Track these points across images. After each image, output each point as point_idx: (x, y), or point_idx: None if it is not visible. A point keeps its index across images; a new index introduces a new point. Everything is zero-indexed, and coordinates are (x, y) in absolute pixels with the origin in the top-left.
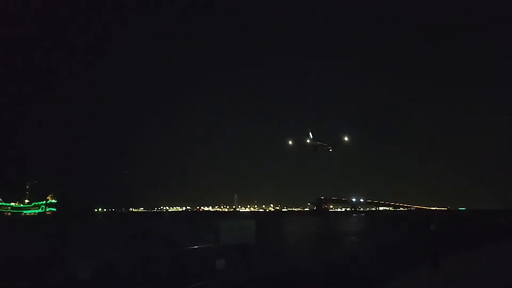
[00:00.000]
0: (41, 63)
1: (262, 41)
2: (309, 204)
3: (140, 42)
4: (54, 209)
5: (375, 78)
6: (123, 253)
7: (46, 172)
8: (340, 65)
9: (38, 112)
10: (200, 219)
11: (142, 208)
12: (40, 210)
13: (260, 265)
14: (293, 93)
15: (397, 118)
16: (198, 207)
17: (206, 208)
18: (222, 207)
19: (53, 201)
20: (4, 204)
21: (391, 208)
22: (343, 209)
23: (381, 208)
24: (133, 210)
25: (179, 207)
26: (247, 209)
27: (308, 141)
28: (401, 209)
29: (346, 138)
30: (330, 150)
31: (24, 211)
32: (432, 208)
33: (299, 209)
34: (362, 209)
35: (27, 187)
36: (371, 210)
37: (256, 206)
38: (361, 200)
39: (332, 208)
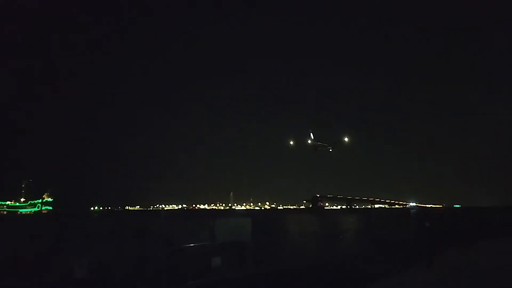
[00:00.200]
0: (40, 62)
1: (262, 41)
2: (304, 202)
3: (140, 42)
4: (50, 208)
5: (375, 78)
6: (119, 252)
7: (42, 170)
8: (340, 65)
9: (34, 110)
10: (196, 217)
11: (138, 207)
12: (36, 209)
13: (256, 263)
14: (292, 93)
15: (394, 117)
16: (194, 205)
17: (202, 206)
18: (218, 205)
19: (49, 199)
20: (0, 203)
21: (386, 206)
22: (339, 207)
23: (376, 206)
24: (129, 208)
25: (175, 205)
26: (243, 207)
27: (309, 141)
28: (397, 206)
29: (346, 139)
30: (330, 150)
31: (20, 210)
32: (427, 206)
33: (294, 206)
34: (357, 206)
35: (23, 185)
36: (367, 207)
37: (251, 204)
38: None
39: (327, 206)
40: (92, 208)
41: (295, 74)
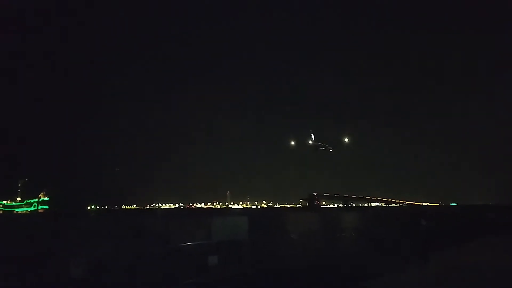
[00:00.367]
0: (39, 61)
1: (262, 41)
2: (301, 200)
3: (139, 41)
4: (47, 207)
5: (374, 78)
6: (116, 250)
7: (38, 169)
8: (340, 65)
9: (29, 109)
10: (193, 216)
11: (135, 205)
12: (32, 208)
13: (253, 262)
14: (291, 93)
15: (391, 116)
16: (190, 204)
17: (198, 205)
18: (214, 203)
19: (45, 198)
20: None
21: (383, 204)
22: (335, 205)
23: (373, 204)
24: (126, 207)
25: (171, 204)
26: (240, 206)
27: (310, 142)
28: (393, 205)
29: (346, 140)
30: (331, 150)
31: (16, 209)
32: (424, 204)
33: (291, 205)
34: (354, 205)
35: (19, 184)
36: (363, 206)
37: (248, 202)
38: None
39: (324, 204)
40: (88, 207)
41: (295, 74)
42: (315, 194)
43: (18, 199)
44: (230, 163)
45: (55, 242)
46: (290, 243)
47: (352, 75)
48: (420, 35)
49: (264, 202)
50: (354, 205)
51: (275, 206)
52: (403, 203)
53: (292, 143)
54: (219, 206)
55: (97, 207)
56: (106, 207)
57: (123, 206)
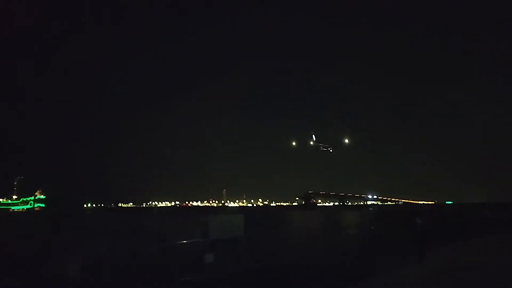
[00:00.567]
0: (34, 58)
1: (262, 41)
2: (297, 198)
3: (139, 40)
4: (43, 205)
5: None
6: (112, 248)
7: (35, 167)
8: (340, 65)
9: (26, 107)
10: (189, 214)
11: (131, 204)
12: (28, 206)
13: (249, 260)
14: (290, 92)
15: (388, 115)
16: (186, 202)
17: (195, 203)
18: (211, 202)
19: (42, 197)
20: None
21: (378, 203)
22: (331, 204)
23: (369, 203)
24: (122, 205)
25: (168, 202)
26: (236, 204)
27: (311, 143)
28: (389, 203)
29: (346, 140)
30: (331, 150)
31: (12, 207)
32: (419, 202)
33: (287, 203)
34: (350, 203)
35: (15, 183)
36: (359, 204)
37: (244, 201)
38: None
39: (320, 203)
40: (85, 205)
41: (295, 74)
42: (311, 192)
43: (14, 197)
44: (227, 161)
45: (51, 241)
46: (286, 241)
47: (351, 75)
48: (420, 35)
49: (260, 200)
50: (349, 203)
51: (271, 205)
52: (398, 201)
53: (293, 143)
54: (215, 205)
55: (94, 205)
56: (102, 205)
57: (120, 205)
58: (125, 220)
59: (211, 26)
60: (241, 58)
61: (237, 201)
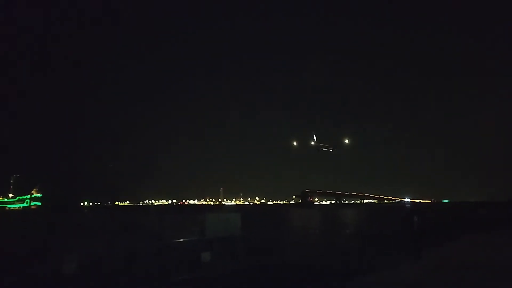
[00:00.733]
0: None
1: (262, 41)
2: (294, 197)
3: (139, 40)
4: (39, 203)
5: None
6: (108, 247)
7: (31, 165)
8: (340, 65)
9: (21, 104)
10: (186, 212)
11: (128, 202)
12: (25, 205)
13: (246, 258)
14: (289, 92)
15: (385, 114)
16: (183, 201)
17: (191, 202)
18: (207, 200)
19: (38, 195)
20: None
21: (375, 201)
22: (328, 202)
23: (365, 201)
24: (119, 203)
25: (164, 201)
26: (233, 202)
27: (312, 143)
28: (386, 201)
29: (346, 141)
30: (331, 151)
31: (9, 206)
32: (416, 201)
33: (284, 202)
34: (346, 201)
35: (11, 181)
36: (356, 202)
37: (241, 199)
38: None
39: (317, 201)
40: (81, 204)
41: (294, 74)
42: (308, 190)
43: (10, 195)
44: (224, 160)
45: (48, 238)
46: (283, 239)
47: (351, 75)
48: (420, 35)
49: (257, 198)
50: (346, 201)
51: (268, 203)
52: (395, 199)
53: (295, 143)
54: (212, 203)
55: (90, 204)
56: (99, 203)
57: (116, 203)
58: (122, 219)
59: (211, 26)
60: (241, 58)
61: (234, 199)
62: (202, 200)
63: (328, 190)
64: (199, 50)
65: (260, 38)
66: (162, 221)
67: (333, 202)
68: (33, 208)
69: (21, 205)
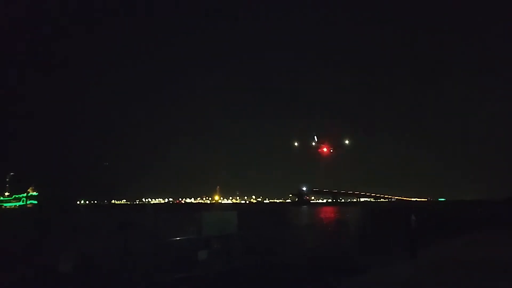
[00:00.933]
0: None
1: (262, 41)
2: (290, 195)
3: (139, 40)
4: (35, 202)
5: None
6: (105, 245)
7: (27, 164)
8: (340, 65)
9: (18, 103)
10: (182, 210)
11: (124, 200)
12: (21, 203)
13: (243, 256)
14: (289, 92)
15: (384, 113)
16: (180, 199)
17: (188, 200)
18: (204, 198)
19: (34, 193)
20: None
21: (372, 199)
22: (324, 200)
23: (362, 199)
24: (116, 202)
25: (161, 199)
26: (229, 201)
27: (313, 143)
28: (382, 200)
29: (347, 141)
30: (332, 151)
31: (5, 204)
32: (412, 199)
33: (281, 200)
34: (343, 200)
35: (7, 179)
36: (352, 201)
37: (238, 198)
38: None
39: (313, 200)
40: (78, 202)
41: (294, 74)
42: (304, 189)
43: (7, 194)
44: (221, 159)
45: (44, 237)
46: (279, 237)
47: (351, 75)
48: (420, 35)
49: (253, 197)
50: (343, 200)
51: (265, 201)
52: (392, 198)
53: (296, 144)
54: (208, 201)
55: (87, 202)
56: (95, 202)
57: (113, 201)
58: (118, 217)
59: (211, 26)
60: (241, 58)
61: (230, 198)
62: (198, 199)
63: (325, 189)
64: (199, 50)
65: (260, 38)
66: (159, 219)
67: (329, 200)
68: (29, 207)
69: (18, 204)
